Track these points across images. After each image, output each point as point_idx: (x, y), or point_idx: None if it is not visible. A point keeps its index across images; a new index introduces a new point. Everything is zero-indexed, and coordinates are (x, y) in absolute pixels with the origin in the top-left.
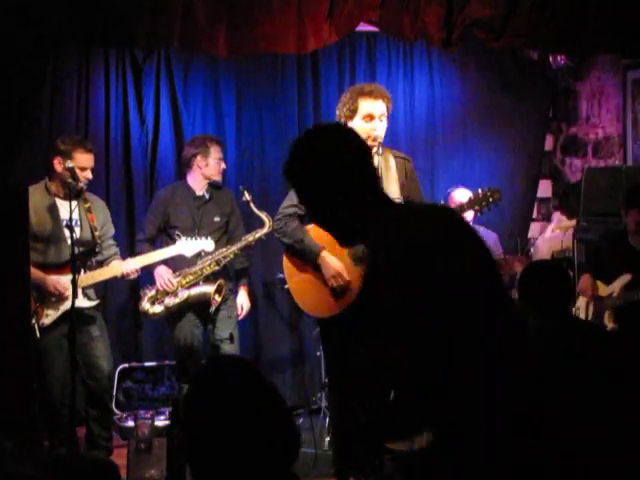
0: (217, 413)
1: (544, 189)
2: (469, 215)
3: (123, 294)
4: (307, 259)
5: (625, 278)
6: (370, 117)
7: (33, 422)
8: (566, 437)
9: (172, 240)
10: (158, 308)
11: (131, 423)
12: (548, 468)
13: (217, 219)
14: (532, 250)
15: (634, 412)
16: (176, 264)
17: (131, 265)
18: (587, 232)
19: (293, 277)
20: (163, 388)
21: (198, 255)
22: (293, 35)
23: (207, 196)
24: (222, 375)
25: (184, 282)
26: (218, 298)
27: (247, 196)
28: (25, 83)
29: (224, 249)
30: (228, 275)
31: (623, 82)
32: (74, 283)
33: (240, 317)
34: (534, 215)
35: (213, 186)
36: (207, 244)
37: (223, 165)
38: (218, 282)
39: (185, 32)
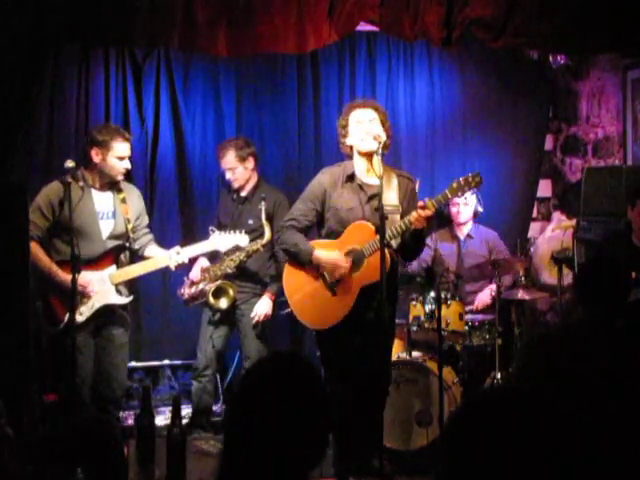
0: (265, 404)
1: (544, 189)
2: (473, 204)
3: None
4: (303, 261)
5: None
6: (358, 122)
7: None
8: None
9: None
10: (186, 295)
11: (131, 423)
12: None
13: (251, 222)
14: (532, 250)
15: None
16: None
17: (179, 258)
18: (587, 232)
19: (294, 296)
20: (163, 388)
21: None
22: (293, 35)
23: (244, 196)
24: (279, 369)
25: (207, 276)
26: (213, 301)
27: (263, 205)
28: (25, 83)
29: (230, 255)
30: (257, 282)
31: (623, 82)
32: (74, 284)
33: (253, 322)
34: (534, 215)
35: (261, 188)
36: (241, 239)
37: (229, 175)
38: (216, 284)
39: (185, 32)
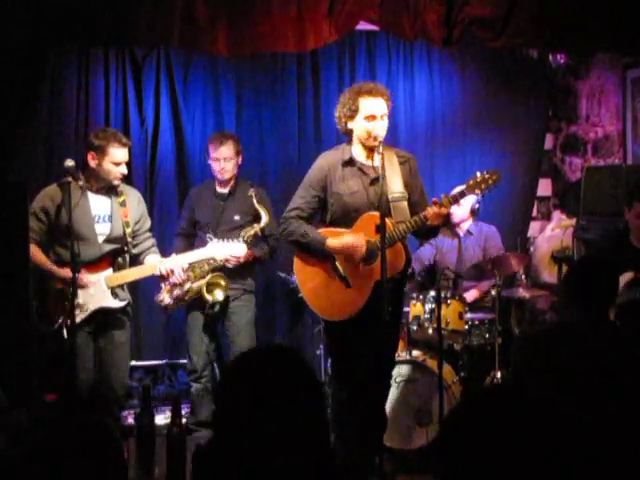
0: (250, 398)
1: (544, 188)
2: (468, 203)
3: None
4: (315, 251)
5: (627, 276)
6: (372, 117)
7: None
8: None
9: (201, 238)
10: (167, 300)
11: (131, 422)
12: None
13: (237, 217)
14: (532, 249)
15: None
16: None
17: (167, 265)
18: (587, 231)
19: (306, 284)
20: (163, 387)
21: None
22: (293, 34)
23: (226, 193)
24: (263, 362)
25: (192, 275)
26: (208, 296)
27: (251, 192)
28: (25, 83)
29: None
30: (246, 277)
31: (623, 81)
32: (74, 284)
33: (230, 264)
34: (534, 214)
35: (241, 185)
36: (239, 248)
37: (222, 164)
38: (206, 280)
39: (185, 31)
